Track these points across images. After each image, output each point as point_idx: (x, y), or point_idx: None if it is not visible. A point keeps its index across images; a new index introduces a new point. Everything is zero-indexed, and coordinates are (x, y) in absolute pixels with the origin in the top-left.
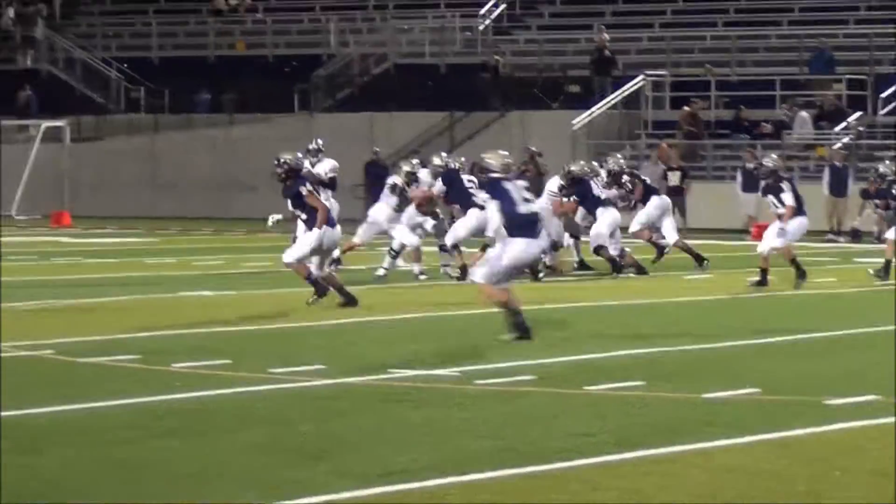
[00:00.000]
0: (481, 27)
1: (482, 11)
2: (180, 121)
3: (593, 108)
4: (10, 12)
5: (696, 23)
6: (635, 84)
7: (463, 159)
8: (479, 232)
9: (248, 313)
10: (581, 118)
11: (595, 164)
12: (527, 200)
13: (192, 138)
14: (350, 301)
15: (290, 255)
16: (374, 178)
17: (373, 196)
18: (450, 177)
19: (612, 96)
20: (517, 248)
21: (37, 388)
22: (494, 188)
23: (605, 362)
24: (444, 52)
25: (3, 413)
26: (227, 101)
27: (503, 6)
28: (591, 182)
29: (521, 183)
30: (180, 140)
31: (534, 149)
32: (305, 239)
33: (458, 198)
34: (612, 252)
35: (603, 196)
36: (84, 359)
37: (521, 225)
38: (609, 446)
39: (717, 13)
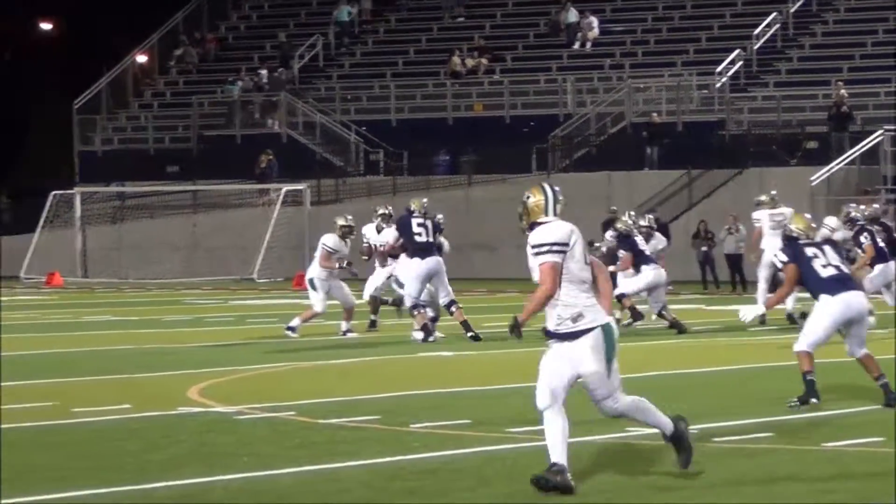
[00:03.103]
0: (718, 85)
1: (719, 69)
2: (419, 182)
3: (832, 164)
4: (238, 82)
5: None
6: (874, 139)
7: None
8: None
9: (488, 373)
10: (819, 174)
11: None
12: None
13: (430, 199)
14: None
15: None
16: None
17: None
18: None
19: (851, 151)
20: None
21: (279, 450)
22: None
23: (842, 419)
24: (681, 111)
25: (248, 474)
26: (465, 163)
27: (740, 63)
28: (636, 239)
29: None
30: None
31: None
32: None
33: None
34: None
35: (647, 252)
36: (324, 420)
37: None
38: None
39: None
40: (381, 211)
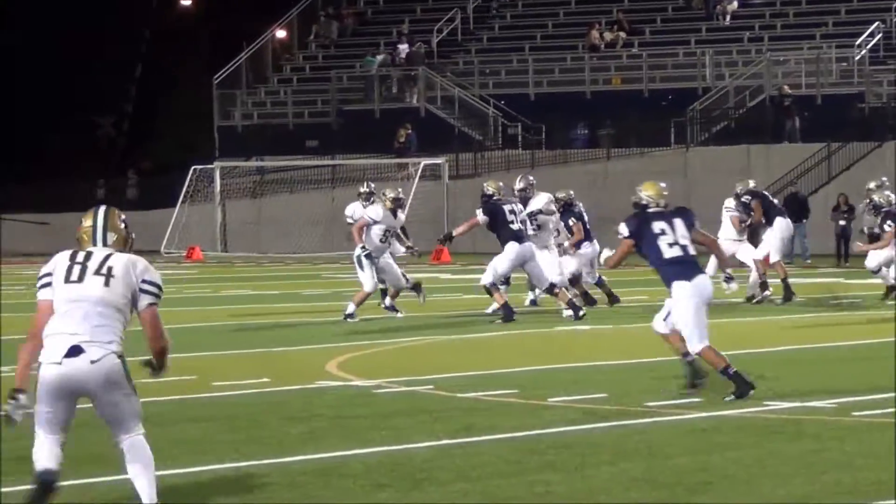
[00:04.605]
0: (857, 57)
1: (858, 42)
2: (557, 156)
3: None
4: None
5: None
6: None
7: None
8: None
9: (625, 347)
10: None
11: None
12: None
13: (568, 174)
14: None
15: None
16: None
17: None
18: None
19: None
20: None
21: (417, 424)
22: None
23: None
24: (820, 84)
25: (386, 448)
26: (604, 137)
27: (879, 36)
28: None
29: None
30: (557, 175)
31: None
32: None
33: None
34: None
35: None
36: (462, 394)
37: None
38: None
39: None
40: (362, 189)
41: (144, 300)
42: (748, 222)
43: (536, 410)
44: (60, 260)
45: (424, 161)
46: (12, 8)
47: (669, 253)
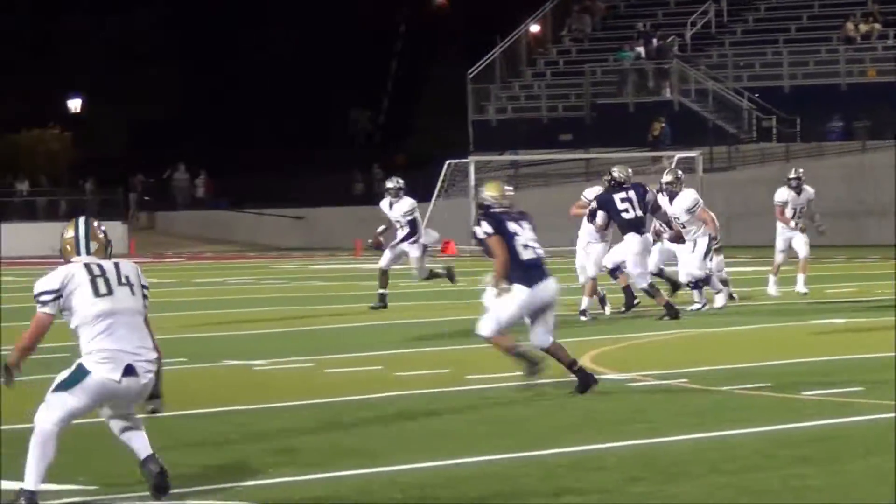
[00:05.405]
0: None
1: None
2: (812, 149)
3: None
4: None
5: None
6: None
7: None
8: None
9: (883, 341)
10: None
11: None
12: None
13: (823, 166)
14: None
15: None
16: None
17: None
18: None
19: None
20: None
21: (671, 417)
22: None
23: None
24: None
25: (640, 441)
26: (859, 129)
27: None
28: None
29: None
30: (812, 168)
31: None
32: None
33: None
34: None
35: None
36: (717, 387)
37: None
38: None
39: None
40: (389, 185)
41: (145, 303)
42: None
43: (790, 404)
44: (77, 276)
45: (678, 154)
46: (272, 7)
47: (525, 255)
